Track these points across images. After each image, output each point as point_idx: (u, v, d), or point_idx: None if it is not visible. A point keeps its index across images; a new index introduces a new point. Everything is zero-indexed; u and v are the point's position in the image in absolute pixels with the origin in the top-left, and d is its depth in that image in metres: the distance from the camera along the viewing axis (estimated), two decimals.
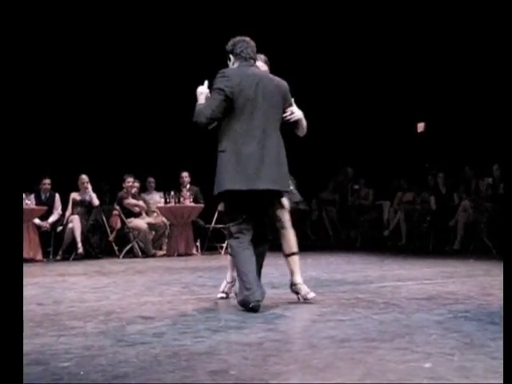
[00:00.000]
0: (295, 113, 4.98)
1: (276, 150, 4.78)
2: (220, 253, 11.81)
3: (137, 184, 12.12)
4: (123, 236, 11.88)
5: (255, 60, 5.00)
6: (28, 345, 3.47)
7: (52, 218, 11.54)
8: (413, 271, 7.69)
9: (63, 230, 11.26)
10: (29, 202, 11.06)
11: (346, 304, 4.83)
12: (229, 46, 4.98)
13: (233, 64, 4.95)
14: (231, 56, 4.96)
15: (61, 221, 11.55)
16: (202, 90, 4.90)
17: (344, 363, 2.92)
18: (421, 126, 15.16)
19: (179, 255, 11.29)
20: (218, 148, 4.76)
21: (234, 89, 4.66)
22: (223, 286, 5.34)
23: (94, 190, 11.66)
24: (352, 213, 13.64)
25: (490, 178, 11.02)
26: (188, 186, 11.89)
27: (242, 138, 4.69)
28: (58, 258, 11.17)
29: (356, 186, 13.94)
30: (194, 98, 4.94)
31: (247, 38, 4.99)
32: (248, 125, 4.70)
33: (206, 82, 4.94)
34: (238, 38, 4.98)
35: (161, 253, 11.76)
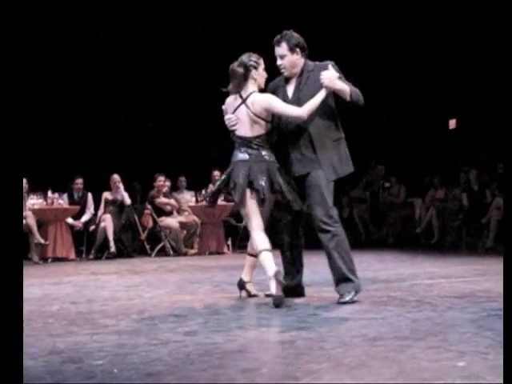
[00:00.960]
0: None
1: None
2: None
3: (168, 183, 12.18)
4: (155, 235, 11.95)
5: None
6: (62, 343, 3.51)
7: (85, 218, 11.64)
8: (445, 269, 7.63)
9: (96, 229, 11.35)
10: (62, 201, 11.19)
11: (378, 302, 4.80)
12: (296, 41, 4.94)
13: (298, 59, 4.94)
14: (298, 49, 4.93)
15: (93, 220, 11.63)
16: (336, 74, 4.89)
17: (377, 361, 2.91)
18: (453, 123, 15.03)
19: (210, 254, 11.32)
20: (341, 135, 5.02)
21: None
22: (253, 288, 5.33)
23: (126, 190, 11.74)
24: (383, 210, 13.57)
25: None
26: None
27: None
28: (91, 256, 11.26)
29: (387, 184, 13.85)
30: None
31: None
32: None
33: (331, 65, 4.92)
34: (297, 34, 4.97)
35: (192, 251, 11.80)
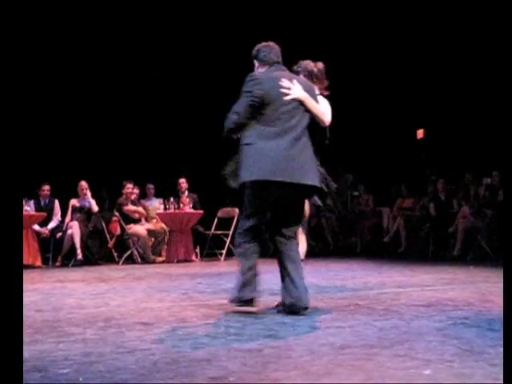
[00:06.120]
0: (294, 92, 4.81)
1: (307, 150, 4.78)
2: (219, 259, 11.82)
3: (136, 190, 12.13)
4: (123, 242, 11.88)
5: (280, 63, 4.97)
6: (27, 351, 3.47)
7: (51, 225, 11.54)
8: (412, 278, 7.68)
9: (62, 237, 11.25)
10: (28, 208, 11.07)
11: (346, 310, 4.82)
12: (254, 52, 5.01)
13: (257, 69, 4.97)
14: (256, 61, 5.00)
15: (60, 227, 11.54)
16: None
17: (344, 370, 2.91)
18: (420, 133, 15.18)
19: (178, 261, 11.28)
20: (244, 141, 4.73)
21: (261, 91, 4.69)
22: None
23: (94, 197, 11.67)
24: (352, 219, 13.64)
25: (489, 178, 11.03)
26: (186, 193, 11.92)
27: (272, 138, 4.66)
28: (57, 264, 11.16)
29: (356, 193, 13.93)
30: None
31: (271, 43, 4.99)
32: (273, 126, 4.68)
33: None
34: (262, 44, 5.00)
35: (160, 259, 11.76)
